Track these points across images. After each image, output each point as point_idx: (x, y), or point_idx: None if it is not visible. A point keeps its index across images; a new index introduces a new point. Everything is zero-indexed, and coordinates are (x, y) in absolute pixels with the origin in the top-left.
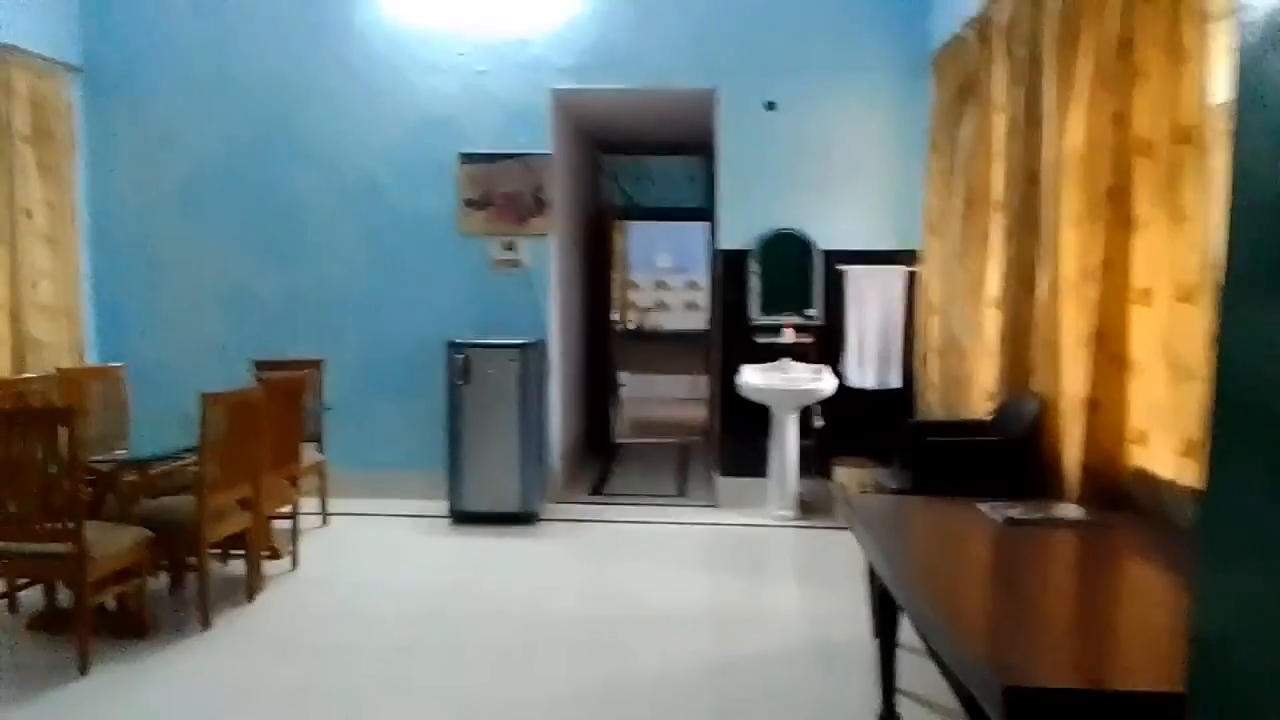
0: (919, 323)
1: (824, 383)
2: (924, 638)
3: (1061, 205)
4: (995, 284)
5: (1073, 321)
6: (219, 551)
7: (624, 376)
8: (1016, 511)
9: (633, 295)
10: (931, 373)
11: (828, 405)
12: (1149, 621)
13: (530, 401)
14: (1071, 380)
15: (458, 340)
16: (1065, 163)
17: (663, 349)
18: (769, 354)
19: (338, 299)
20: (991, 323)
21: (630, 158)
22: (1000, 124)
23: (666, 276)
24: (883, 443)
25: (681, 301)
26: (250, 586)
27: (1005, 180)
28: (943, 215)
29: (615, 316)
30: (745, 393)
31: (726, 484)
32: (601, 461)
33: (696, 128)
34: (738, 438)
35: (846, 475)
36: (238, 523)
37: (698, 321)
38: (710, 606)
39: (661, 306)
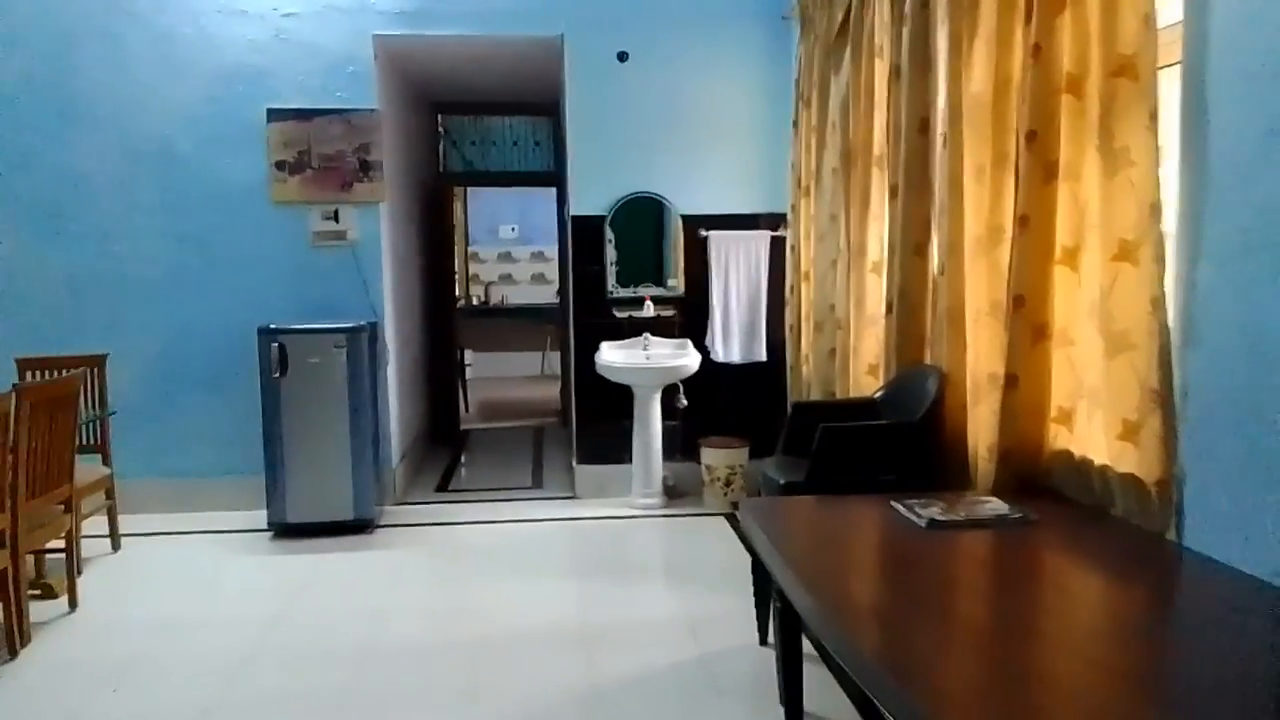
0: (789, 291)
1: (688, 359)
2: (827, 655)
3: (965, 157)
4: (877, 247)
5: (980, 286)
6: None
7: (470, 356)
8: (936, 511)
9: (476, 269)
10: (804, 346)
11: (691, 383)
12: (1119, 661)
13: (361, 393)
14: (979, 353)
15: (272, 326)
16: (967, 109)
17: (510, 325)
18: (628, 329)
19: (129, 284)
20: (874, 290)
21: (470, 118)
22: (881, 71)
23: (511, 248)
24: (750, 421)
25: (528, 274)
26: (12, 640)
27: (889, 133)
28: (814, 174)
29: (458, 292)
30: (605, 372)
31: (586, 472)
32: (449, 453)
33: (543, 84)
34: (596, 422)
35: (714, 457)
36: None
37: (546, 295)
38: (574, 620)
39: (507, 280)
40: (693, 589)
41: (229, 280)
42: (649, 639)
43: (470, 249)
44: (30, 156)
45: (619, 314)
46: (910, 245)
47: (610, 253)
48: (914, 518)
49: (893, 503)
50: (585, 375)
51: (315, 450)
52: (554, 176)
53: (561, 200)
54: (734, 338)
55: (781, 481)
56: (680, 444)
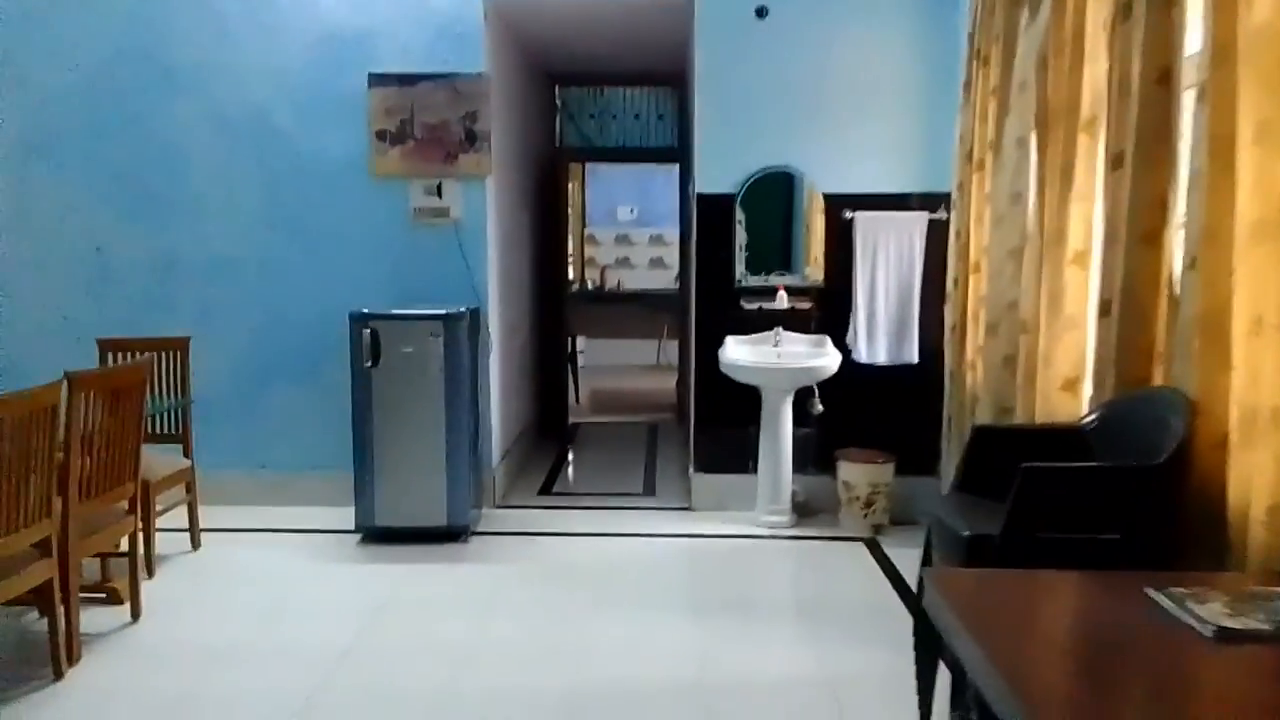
0: (951, 284)
1: (827, 359)
2: None
3: (1240, 112)
4: (1082, 233)
5: (1261, 287)
6: (32, 599)
7: (583, 343)
8: (1219, 609)
9: (591, 251)
10: (969, 350)
11: (828, 386)
12: None
13: (459, 385)
14: (1257, 379)
15: (364, 311)
16: (1244, 46)
17: (626, 311)
18: (758, 322)
19: (222, 265)
20: (1075, 286)
21: (589, 90)
22: (1097, 12)
23: (629, 230)
24: (897, 433)
25: (646, 258)
26: (58, 658)
27: (1110, 89)
28: (992, 145)
29: (571, 276)
30: (730, 371)
31: (704, 482)
32: (555, 449)
33: (667, 50)
34: (717, 425)
35: (853, 473)
36: (31, 576)
37: (664, 281)
38: (690, 674)
39: (624, 264)
40: (832, 636)
41: (324, 262)
42: (783, 708)
43: (586, 231)
44: (126, 130)
45: (748, 305)
46: (1138, 230)
47: (740, 235)
48: (1189, 619)
49: (1149, 591)
50: (706, 372)
51: (408, 449)
52: (676, 153)
53: (684, 179)
54: (880, 336)
55: (965, 533)
56: (813, 455)
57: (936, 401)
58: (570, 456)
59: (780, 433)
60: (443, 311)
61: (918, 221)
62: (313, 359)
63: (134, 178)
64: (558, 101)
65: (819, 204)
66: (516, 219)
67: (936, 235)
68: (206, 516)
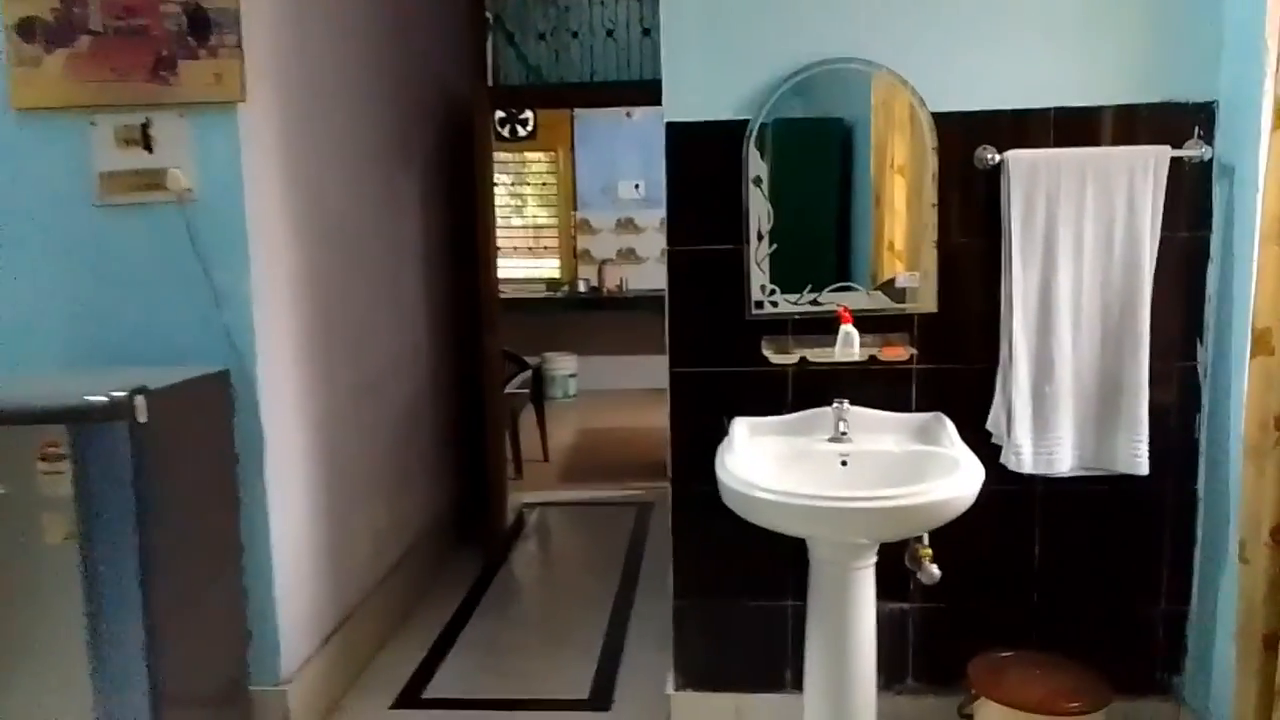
0: (1256, 302)
1: (954, 479)
2: None
3: None
4: None
5: None
6: None
7: (575, 364)
8: None
9: (585, 242)
10: None
11: (951, 524)
12: None
13: (119, 559)
14: None
15: None
16: None
17: (632, 320)
18: (798, 389)
19: None
20: None
21: None
22: None
23: (634, 213)
24: (1093, 620)
25: (657, 248)
26: None
27: None
28: None
29: (555, 274)
30: (739, 506)
31: (696, 709)
32: (469, 576)
33: None
34: (718, 596)
35: (1000, 717)
36: None
37: None
38: None
39: (629, 257)
40: None
41: None
42: None
43: (577, 215)
44: None
45: (776, 355)
46: None
47: (759, 208)
48: None
49: None
50: (693, 489)
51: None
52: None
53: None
54: (1063, 419)
55: None
56: (919, 658)
57: (1181, 548)
58: (490, 590)
59: (850, 621)
60: (73, 403)
61: (1143, 165)
62: None
63: None
64: (488, 14)
65: (926, 137)
66: (372, 195)
67: (1185, 193)
68: None
